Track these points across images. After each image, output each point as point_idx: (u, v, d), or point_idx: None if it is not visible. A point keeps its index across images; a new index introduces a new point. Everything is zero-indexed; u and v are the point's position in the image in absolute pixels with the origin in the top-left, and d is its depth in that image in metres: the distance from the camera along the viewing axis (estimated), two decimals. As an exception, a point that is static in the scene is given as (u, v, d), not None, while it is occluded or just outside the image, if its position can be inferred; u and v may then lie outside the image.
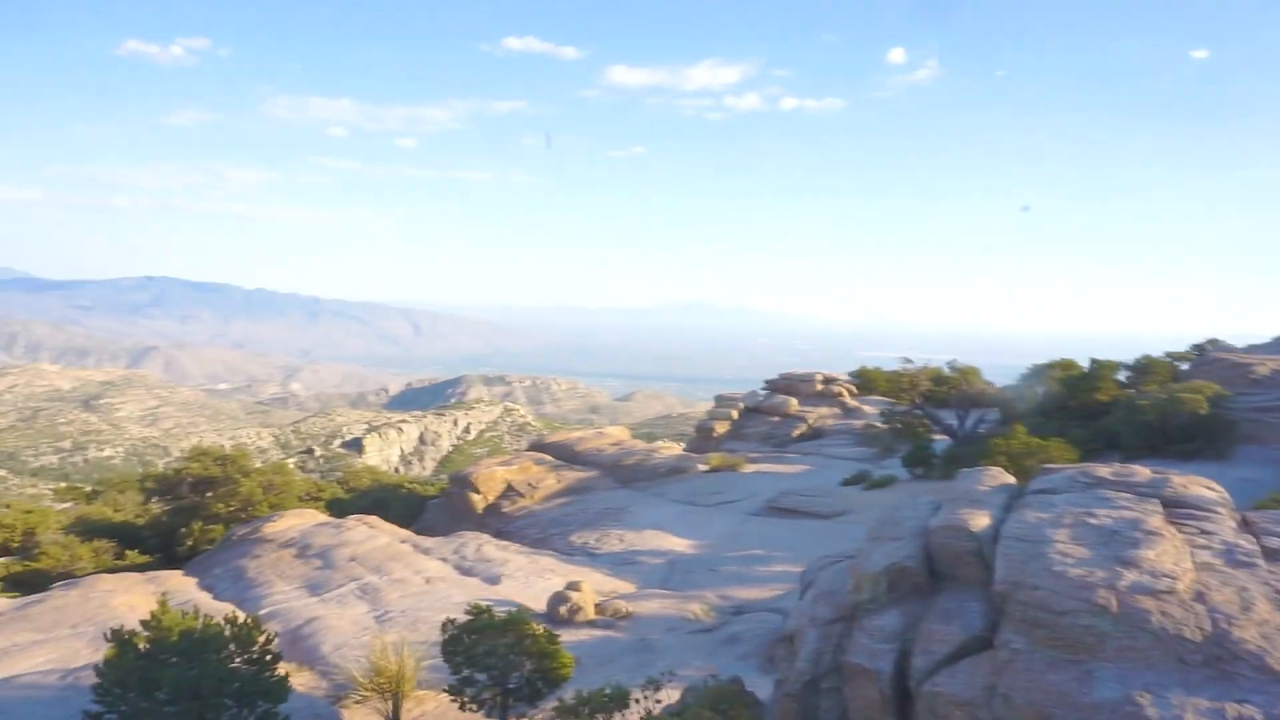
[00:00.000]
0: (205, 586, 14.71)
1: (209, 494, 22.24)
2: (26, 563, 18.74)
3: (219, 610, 11.32)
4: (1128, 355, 26.09)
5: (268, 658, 6.71)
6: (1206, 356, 24.90)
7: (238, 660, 6.59)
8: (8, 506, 23.16)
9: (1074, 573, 4.25)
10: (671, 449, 27.75)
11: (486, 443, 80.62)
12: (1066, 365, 25.53)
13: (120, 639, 6.24)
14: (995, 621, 4.39)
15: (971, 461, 14.69)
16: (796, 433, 29.78)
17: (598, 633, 11.69)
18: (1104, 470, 5.90)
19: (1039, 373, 25.74)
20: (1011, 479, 6.50)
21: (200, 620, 6.46)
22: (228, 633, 6.50)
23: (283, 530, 17.06)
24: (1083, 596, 4.09)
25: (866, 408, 31.21)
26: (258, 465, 26.31)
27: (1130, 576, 4.23)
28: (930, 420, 24.07)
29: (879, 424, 26.43)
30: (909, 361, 25.48)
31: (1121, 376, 24.00)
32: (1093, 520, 4.87)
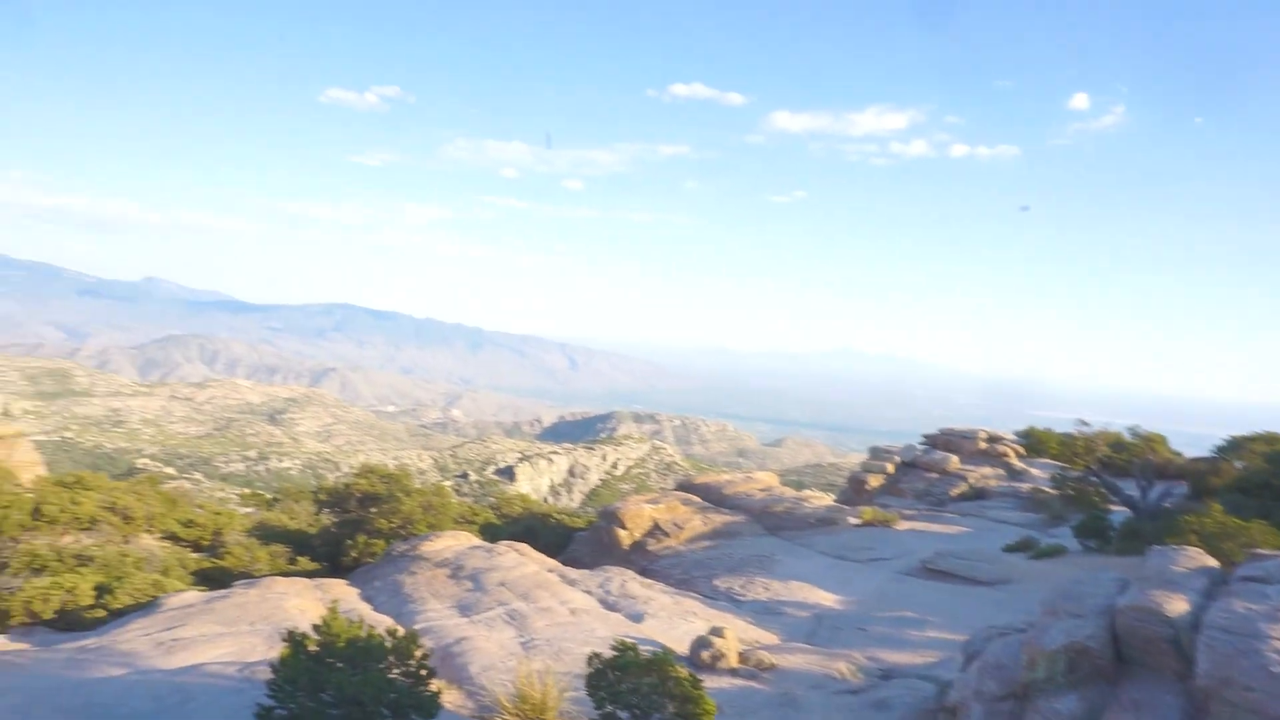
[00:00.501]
0: (366, 598, 15.50)
1: (373, 510, 23.51)
2: (214, 560, 20.37)
3: (378, 622, 11.89)
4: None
5: (423, 672, 6.96)
6: None
7: (395, 671, 6.86)
8: (201, 507, 25.34)
9: (1296, 674, 3.77)
10: (821, 499, 27.04)
11: (633, 479, 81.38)
12: (1272, 439, 23.09)
13: (294, 640, 6.64)
14: (1195, 719, 3.95)
15: (1156, 538, 13.48)
16: (956, 492, 28.35)
17: (739, 682, 11.43)
18: (1329, 560, 5.24)
19: (1238, 445, 23.40)
20: (1213, 561, 5.88)
21: (365, 630, 6.79)
22: (388, 644, 6.79)
23: (438, 550, 17.77)
24: (1307, 703, 3.62)
25: (1034, 471, 29.34)
26: (418, 486, 27.62)
27: (1367, 684, 3.72)
28: (1107, 489, 22.32)
29: (1048, 489, 24.78)
30: (1085, 424, 23.80)
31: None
32: (1318, 616, 4.32)
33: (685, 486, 27.31)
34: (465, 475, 76.30)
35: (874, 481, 30.69)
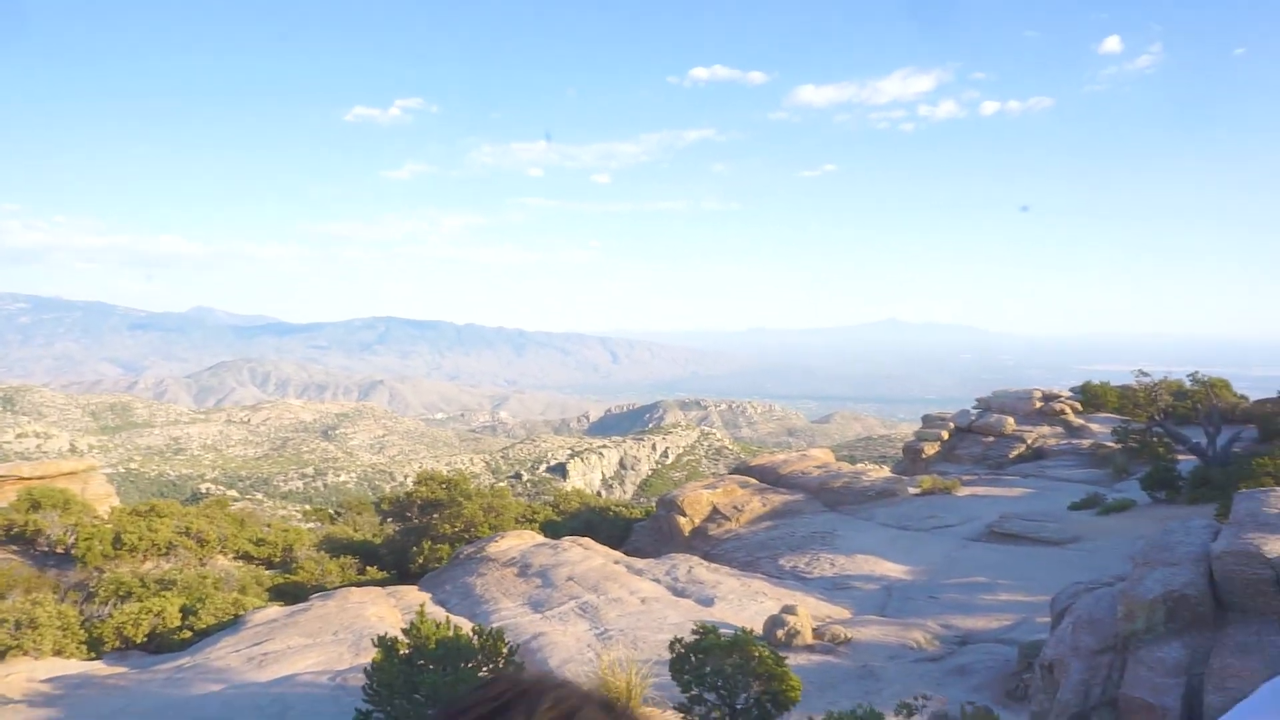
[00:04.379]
0: (439, 601, 15.78)
1: (435, 515, 23.92)
2: (287, 575, 20.89)
3: (458, 624, 12.12)
4: None
5: (511, 668, 7.10)
6: None
7: (484, 670, 7.01)
8: (269, 526, 25.98)
9: None
10: (878, 471, 26.84)
11: (684, 466, 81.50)
12: (1341, 374, 22.34)
13: (385, 645, 6.82)
14: (1307, 657, 3.90)
15: (1228, 484, 13.19)
16: (1014, 454, 27.94)
17: (816, 658, 11.44)
18: None
19: (1306, 383, 22.69)
20: (1303, 499, 5.76)
21: (452, 630, 6.95)
22: (476, 643, 6.93)
23: (504, 550, 18.02)
24: None
25: (1093, 426, 28.80)
26: (475, 489, 28.00)
27: None
28: (1172, 438, 21.83)
29: (1110, 443, 24.31)
30: (1144, 375, 23.26)
31: None
32: None
33: (741, 469, 27.28)
34: (518, 475, 77.04)
35: (930, 449, 30.36)
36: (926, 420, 33.21)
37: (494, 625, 13.28)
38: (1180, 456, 21.39)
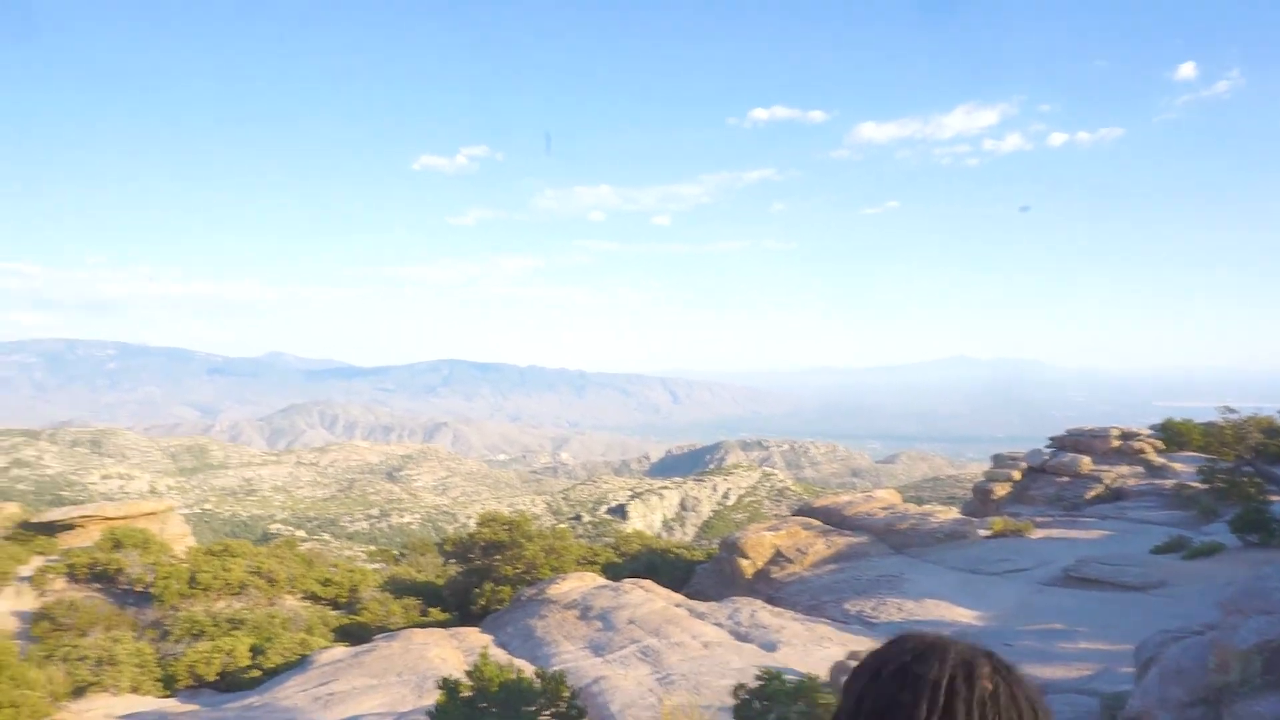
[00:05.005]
0: (500, 643, 15.77)
1: (497, 557, 23.99)
2: (352, 616, 21.15)
3: (518, 667, 12.07)
4: None
5: (573, 713, 7.02)
6: None
7: (546, 713, 6.95)
8: (335, 566, 26.40)
9: None
10: (946, 512, 26.11)
11: (746, 508, 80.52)
12: None
13: (448, 687, 6.82)
14: None
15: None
16: (1091, 494, 26.92)
17: (885, 707, 11.10)
18: None
19: None
20: None
21: (515, 673, 6.91)
22: (538, 686, 6.89)
23: (565, 592, 17.96)
24: None
25: (1176, 465, 27.60)
26: (537, 530, 28.07)
27: None
28: (1264, 478, 20.80)
29: (1195, 484, 23.25)
30: (1231, 411, 22.29)
31: None
32: None
33: (804, 511, 26.83)
34: (578, 517, 77.04)
35: (1000, 490, 29.46)
36: (997, 460, 32.28)
37: (555, 668, 13.21)
38: (1273, 498, 20.33)
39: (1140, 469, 28.37)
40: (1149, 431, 30.65)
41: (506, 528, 24.89)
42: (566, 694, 7.09)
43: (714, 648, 13.77)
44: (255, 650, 14.99)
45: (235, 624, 16.86)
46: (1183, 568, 17.09)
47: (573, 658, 13.99)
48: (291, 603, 21.00)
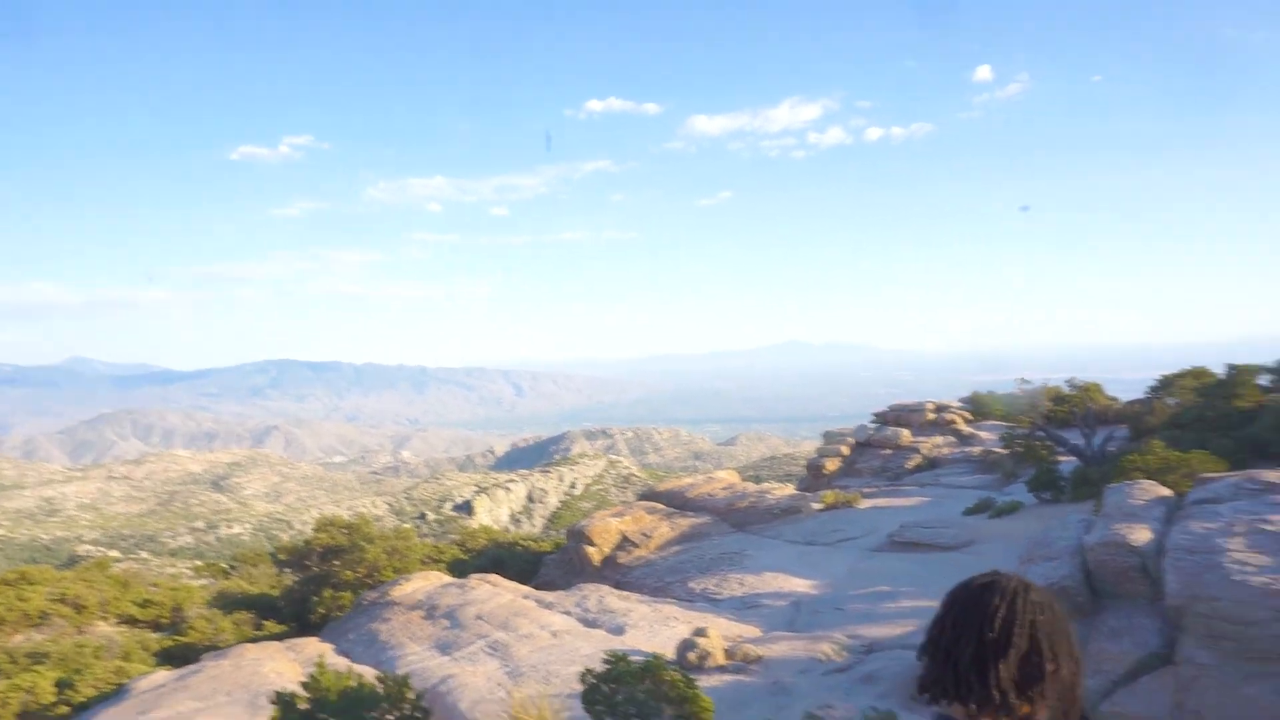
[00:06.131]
0: (342, 651, 15.17)
1: (336, 562, 23.04)
2: (176, 637, 19.72)
3: (361, 673, 11.67)
4: (1258, 359, 24.43)
5: (418, 715, 6.87)
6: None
7: (390, 717, 6.77)
8: (156, 585, 24.50)
9: (1255, 580, 3.97)
10: (783, 489, 27.32)
11: (593, 496, 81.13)
12: (1199, 373, 24.09)
13: (283, 701, 6.50)
14: (1173, 637, 4.13)
15: (1105, 481, 13.94)
16: (911, 464, 28.93)
17: (729, 678, 11.49)
18: (1273, 475, 5.52)
19: (1169, 384, 24.35)
20: (1167, 491, 6.15)
21: (354, 680, 6.69)
22: (380, 691, 6.69)
23: (410, 593, 17.50)
24: (1268, 604, 3.81)
25: (983, 434, 30.12)
26: (379, 532, 27.16)
27: (1321, 580, 3.95)
28: (1054, 441, 23.04)
29: (998, 449, 25.45)
30: (1026, 382, 24.54)
31: (1264, 380, 22.48)
32: (1268, 526, 4.55)
33: (648, 495, 27.35)
34: (423, 516, 75.13)
35: (831, 465, 31.13)
36: (827, 437, 34.09)
37: (400, 671, 12.86)
38: (1062, 458, 22.55)
39: (953, 438, 30.75)
40: (959, 404, 33.27)
41: (345, 531, 23.92)
42: (411, 696, 6.92)
43: (563, 636, 13.82)
44: (62, 684, 13.70)
45: (37, 658, 15.35)
46: (989, 526, 18.68)
47: (419, 659, 13.66)
48: (105, 629, 19.34)
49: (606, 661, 7.54)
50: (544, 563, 25.01)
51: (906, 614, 14.28)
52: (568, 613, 15.41)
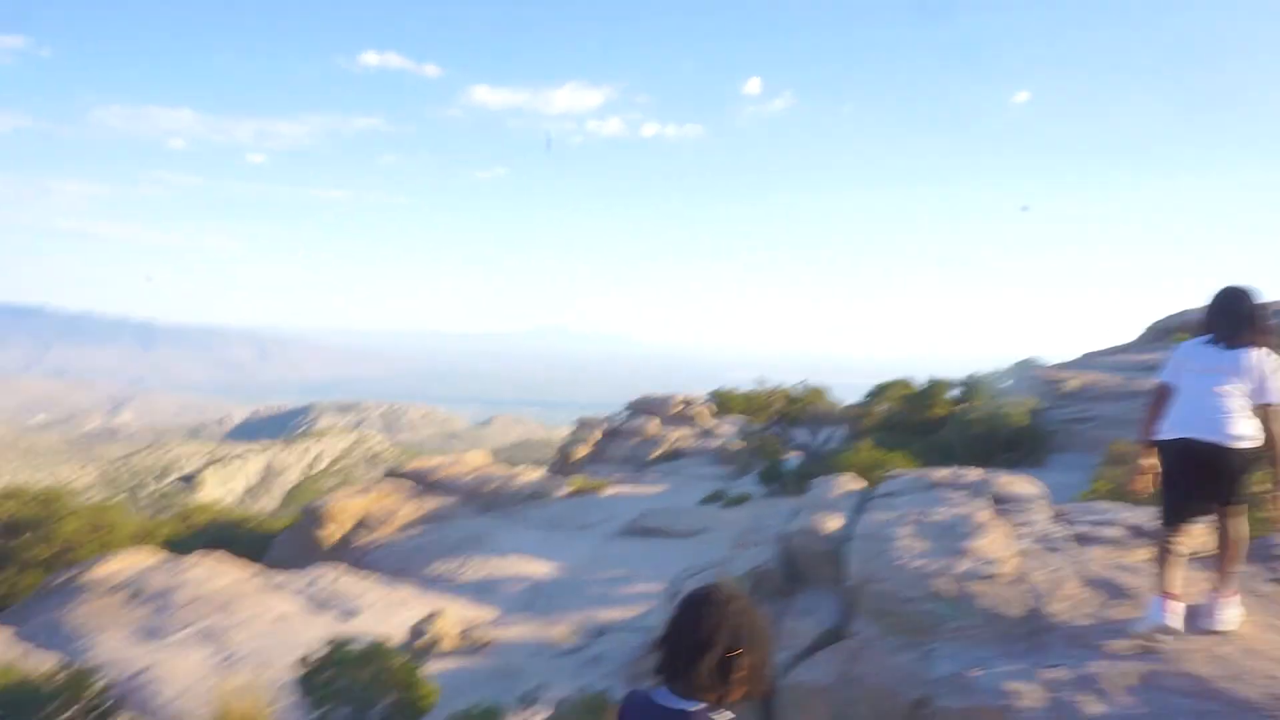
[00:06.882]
0: (24, 638, 13.41)
1: (25, 537, 20.31)
2: None
3: (43, 663, 10.37)
4: (960, 374, 28.00)
5: (104, 708, 6.23)
6: (1025, 373, 27.13)
7: (70, 712, 6.09)
8: None
9: (915, 564, 4.60)
10: (533, 473, 27.57)
11: (338, 473, 77.44)
12: (904, 384, 27.19)
13: (-74, 695, 5.64)
14: (849, 615, 4.68)
15: (823, 475, 15.41)
16: (656, 454, 30.23)
17: (460, 661, 11.48)
18: (940, 474, 6.39)
19: (881, 391, 27.27)
20: (860, 485, 6.91)
21: (23, 672, 5.93)
22: (59, 682, 5.99)
23: (113, 573, 15.78)
24: (922, 585, 4.44)
25: (724, 428, 32.09)
26: (82, 504, 24.21)
27: (963, 564, 4.64)
28: (784, 438, 25.04)
29: (735, 443, 27.24)
30: (763, 382, 26.47)
31: (954, 393, 25.75)
32: (931, 517, 5.28)
33: (394, 474, 26.56)
34: (141, 487, 68.08)
35: (581, 451, 31.83)
36: (580, 424, 34.77)
37: (93, 661, 11.58)
38: (790, 453, 24.57)
39: (697, 431, 32.53)
40: (705, 398, 35.22)
41: (36, 502, 21.11)
42: (94, 688, 6.26)
43: (288, 620, 13.12)
44: None
45: None
46: (721, 515, 19.99)
47: (116, 647, 12.38)
48: None
49: (327, 646, 7.25)
50: (276, 542, 23.57)
51: (639, 597, 14.95)
52: (296, 595, 14.64)
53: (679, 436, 31.59)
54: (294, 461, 79.19)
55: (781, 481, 21.37)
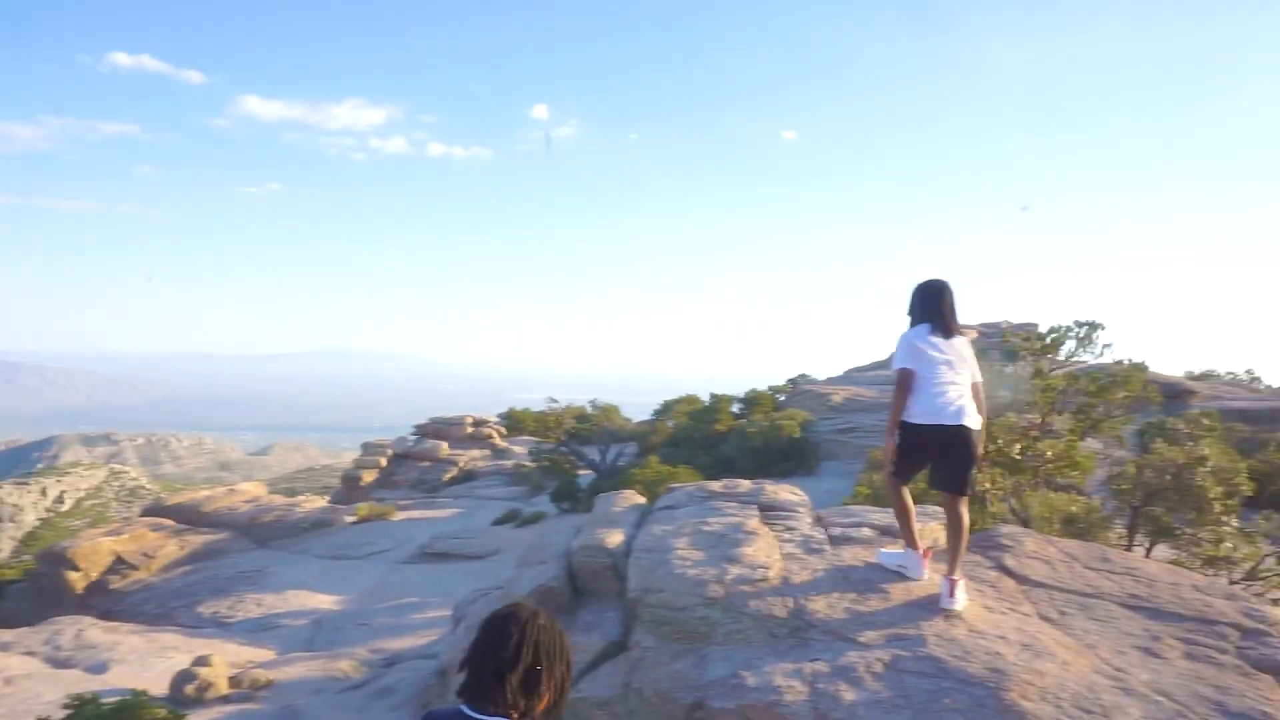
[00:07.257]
0: None
1: None
2: None
3: None
4: (740, 390, 29.59)
5: None
6: (798, 389, 29.17)
7: None
8: None
9: (691, 573, 4.85)
10: (315, 502, 26.12)
11: (87, 512, 69.30)
12: (690, 400, 28.36)
13: None
14: (630, 626, 4.84)
15: (613, 491, 15.76)
16: (448, 476, 29.62)
17: (233, 708, 10.62)
18: (716, 485, 6.76)
19: (669, 408, 28.27)
20: (643, 499, 7.16)
21: None
22: None
23: None
24: (697, 592, 4.69)
25: (516, 448, 31.97)
26: None
27: (734, 571, 4.94)
28: (576, 456, 25.30)
29: (528, 463, 27.19)
30: (554, 401, 26.66)
31: (736, 408, 27.18)
32: (706, 527, 5.58)
33: (155, 510, 24.28)
34: None
35: (368, 477, 30.59)
36: (366, 448, 33.41)
37: None
38: (582, 471, 24.86)
39: (489, 452, 32.20)
40: (496, 419, 34.92)
41: None
42: None
43: (19, 682, 11.58)
44: None
45: None
46: (514, 535, 19.88)
47: None
48: None
49: (67, 706, 6.51)
50: (7, 594, 20.80)
51: (431, 624, 14.54)
52: (31, 653, 12.97)
53: (471, 458, 31.12)
54: (30, 502, 69.99)
55: (574, 499, 21.60)
